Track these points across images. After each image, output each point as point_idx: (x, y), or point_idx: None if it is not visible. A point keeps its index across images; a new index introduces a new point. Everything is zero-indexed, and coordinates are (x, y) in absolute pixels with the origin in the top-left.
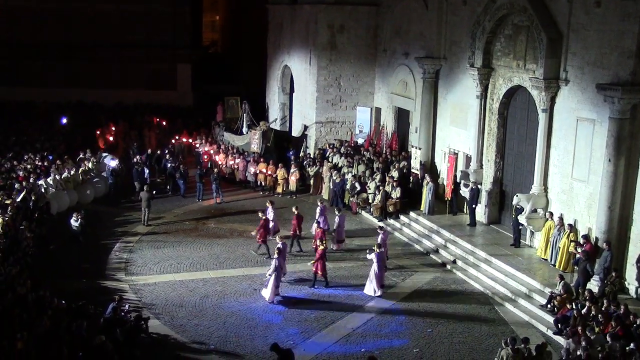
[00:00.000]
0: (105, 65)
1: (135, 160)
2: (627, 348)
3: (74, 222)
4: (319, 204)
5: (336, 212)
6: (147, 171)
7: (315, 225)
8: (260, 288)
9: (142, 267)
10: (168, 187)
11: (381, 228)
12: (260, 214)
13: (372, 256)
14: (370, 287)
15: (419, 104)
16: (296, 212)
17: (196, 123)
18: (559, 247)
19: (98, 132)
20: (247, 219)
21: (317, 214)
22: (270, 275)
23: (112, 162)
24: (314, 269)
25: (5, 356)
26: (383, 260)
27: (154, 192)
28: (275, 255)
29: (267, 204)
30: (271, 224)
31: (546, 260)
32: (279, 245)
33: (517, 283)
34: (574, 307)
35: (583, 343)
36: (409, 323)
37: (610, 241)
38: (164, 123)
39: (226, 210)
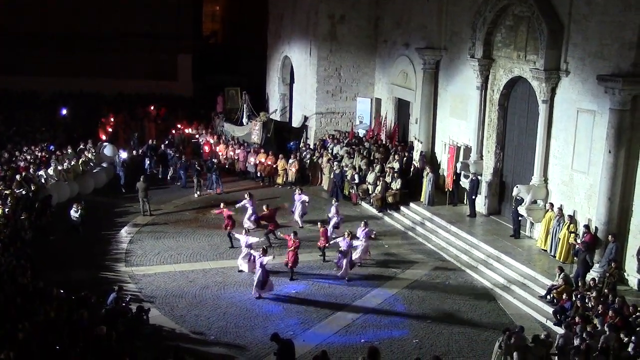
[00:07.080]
0: (106, 55)
1: (141, 151)
2: (625, 339)
3: (74, 213)
4: (297, 192)
5: (333, 202)
6: (147, 162)
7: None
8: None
9: (142, 258)
10: (167, 177)
11: (366, 224)
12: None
13: (342, 243)
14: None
15: (419, 95)
16: (266, 211)
17: (198, 114)
18: (559, 238)
19: (99, 123)
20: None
21: (295, 200)
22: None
23: (122, 154)
24: (288, 263)
25: (6, 346)
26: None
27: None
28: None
29: (245, 196)
30: (251, 216)
31: (546, 251)
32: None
33: (516, 274)
34: (573, 298)
35: (582, 334)
36: (409, 314)
37: (615, 233)
38: (162, 112)
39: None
